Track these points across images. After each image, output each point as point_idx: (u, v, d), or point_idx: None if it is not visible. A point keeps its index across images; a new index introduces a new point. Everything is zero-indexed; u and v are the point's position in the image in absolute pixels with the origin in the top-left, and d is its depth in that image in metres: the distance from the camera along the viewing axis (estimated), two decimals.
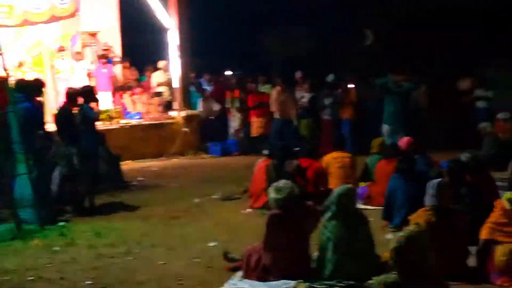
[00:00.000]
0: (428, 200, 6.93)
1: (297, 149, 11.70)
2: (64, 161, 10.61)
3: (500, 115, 14.97)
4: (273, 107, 16.97)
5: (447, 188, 7.00)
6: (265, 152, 11.12)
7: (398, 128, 13.43)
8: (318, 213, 7.41)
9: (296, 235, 6.96)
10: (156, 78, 19.06)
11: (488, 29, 20.82)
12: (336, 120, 16.91)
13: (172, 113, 18.31)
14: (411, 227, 5.07)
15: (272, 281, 6.82)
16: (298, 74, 18.17)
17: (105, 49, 18.66)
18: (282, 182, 7.27)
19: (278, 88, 17.08)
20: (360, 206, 9.46)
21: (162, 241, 8.85)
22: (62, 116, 10.94)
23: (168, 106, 18.59)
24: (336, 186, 9.71)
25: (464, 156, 8.99)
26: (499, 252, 6.50)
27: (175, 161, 17.02)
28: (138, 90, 18.57)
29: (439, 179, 7.28)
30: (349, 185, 7.19)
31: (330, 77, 18.44)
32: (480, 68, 19.05)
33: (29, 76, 15.16)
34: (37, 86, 10.69)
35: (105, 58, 18.23)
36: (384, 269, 5.45)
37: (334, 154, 11.45)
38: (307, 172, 10.47)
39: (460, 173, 8.24)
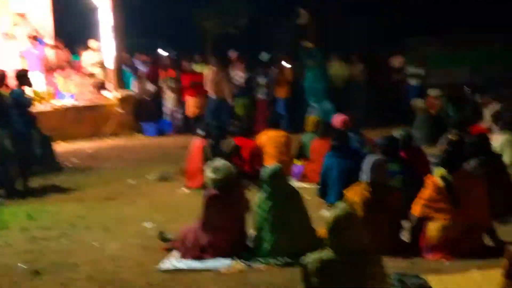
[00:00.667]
0: (364, 176, 7.01)
1: (233, 128, 11.70)
2: (4, 143, 10.35)
3: (431, 92, 15.27)
4: (208, 87, 16.90)
5: (382, 164, 7.09)
6: (200, 132, 11.06)
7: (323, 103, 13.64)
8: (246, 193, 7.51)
9: (233, 215, 6.99)
10: (88, 58, 18.75)
11: (419, 7, 21.17)
12: (271, 99, 16.96)
13: (106, 94, 18.08)
14: (343, 204, 5.11)
15: (209, 260, 6.83)
16: (232, 54, 18.12)
17: (35, 30, 18.26)
18: (219, 162, 7.28)
19: (213, 67, 17.02)
20: (296, 184, 9.55)
21: (97, 222, 8.75)
22: None
23: (101, 87, 18.32)
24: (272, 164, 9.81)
25: (397, 133, 9.14)
26: (432, 228, 6.63)
27: (110, 142, 16.81)
28: (70, 70, 18.25)
29: (374, 156, 7.37)
30: (277, 164, 7.23)
31: (265, 56, 18.52)
32: (411, 46, 19.40)
33: None
34: None
35: (35, 39, 17.84)
36: (320, 246, 5.48)
37: (269, 133, 11.49)
38: (243, 151, 10.49)
39: (393, 149, 8.35)
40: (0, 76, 10.90)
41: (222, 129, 10.73)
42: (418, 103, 14.37)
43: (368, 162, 7.05)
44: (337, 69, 17.45)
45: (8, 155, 10.41)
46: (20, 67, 14.98)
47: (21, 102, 11.03)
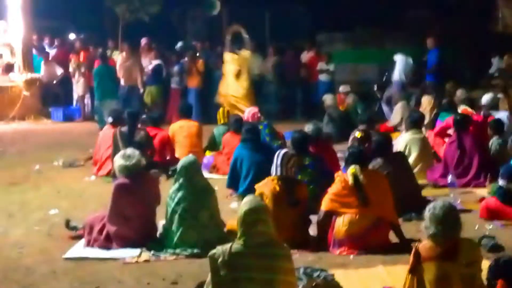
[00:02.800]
0: (274, 169, 7.06)
1: (144, 117, 11.62)
2: None
3: (341, 88, 15.52)
4: (119, 73, 16.67)
5: (291, 158, 7.15)
6: (109, 119, 10.92)
7: None
8: (158, 183, 7.47)
9: (142, 204, 6.94)
10: None
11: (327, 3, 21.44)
12: (183, 88, 16.88)
13: (13, 76, 17.61)
14: (252, 196, 5.15)
15: (116, 249, 6.76)
16: (143, 41, 17.93)
17: None
18: (129, 150, 7.21)
19: (123, 54, 16.79)
20: (206, 175, 9.53)
21: (1, 208, 8.57)
22: None
23: (9, 69, 17.83)
24: (182, 155, 9.79)
25: (307, 127, 9.26)
26: (339, 222, 6.72)
27: (15, 126, 16.43)
28: None
29: (284, 150, 7.43)
30: (193, 156, 7.20)
31: (179, 45, 18.39)
32: (320, 42, 19.65)
33: None
34: None
35: None
36: (229, 238, 5.52)
37: (180, 123, 11.44)
38: (154, 140, 10.41)
39: (303, 143, 8.44)
40: None
41: (134, 116, 10.59)
42: (327, 99, 14.55)
43: (278, 156, 7.09)
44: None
45: None
46: None
47: None
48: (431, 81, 15.67)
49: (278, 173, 6.99)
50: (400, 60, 16.13)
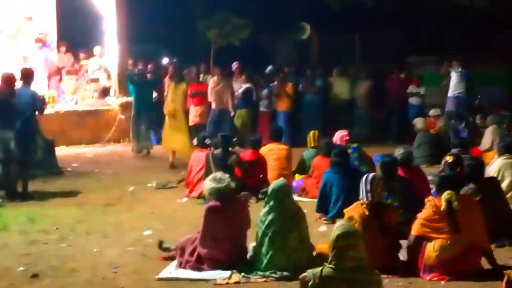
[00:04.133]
0: (362, 194, 7.05)
1: (235, 140, 11.77)
2: (6, 145, 10.36)
3: (431, 112, 15.35)
4: (210, 97, 16.94)
5: (380, 182, 7.13)
6: (201, 142, 11.12)
7: None
8: (248, 206, 7.54)
9: (233, 227, 7.03)
10: (92, 64, 18.82)
11: (420, 26, 21.28)
12: (273, 111, 17.02)
13: (108, 100, 18.12)
14: (345, 221, 5.17)
15: (207, 271, 6.87)
16: (234, 65, 18.18)
17: (40, 34, 18.34)
18: (219, 173, 7.33)
19: (215, 78, 17.06)
20: (295, 198, 9.58)
21: (97, 228, 8.80)
22: (2, 100, 10.54)
23: (105, 92, 18.36)
24: (272, 178, 9.89)
25: (397, 152, 9.19)
26: (430, 248, 6.66)
27: (111, 148, 16.86)
28: (74, 75, 18.33)
29: (373, 174, 7.41)
30: (284, 180, 7.24)
31: (269, 69, 18.56)
32: (411, 64, 19.50)
33: None
34: None
35: (41, 42, 17.91)
36: (318, 261, 5.54)
37: (270, 146, 11.55)
38: (245, 163, 10.54)
39: (393, 167, 8.40)
40: (10, 78, 10.91)
41: (227, 139, 10.77)
42: (418, 122, 14.42)
43: (366, 180, 7.08)
44: (339, 85, 17.52)
45: (12, 157, 10.44)
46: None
47: (36, 102, 11.09)
48: None
49: (367, 198, 6.98)
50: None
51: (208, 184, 7.20)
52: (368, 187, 7.01)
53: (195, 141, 11.22)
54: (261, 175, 10.73)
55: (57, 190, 11.37)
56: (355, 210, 6.93)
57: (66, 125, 16.56)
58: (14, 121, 10.54)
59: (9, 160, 10.44)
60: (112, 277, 6.82)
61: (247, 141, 11.35)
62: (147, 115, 15.58)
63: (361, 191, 7.07)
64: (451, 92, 16.42)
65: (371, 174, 7.31)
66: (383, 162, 8.48)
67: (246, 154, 10.78)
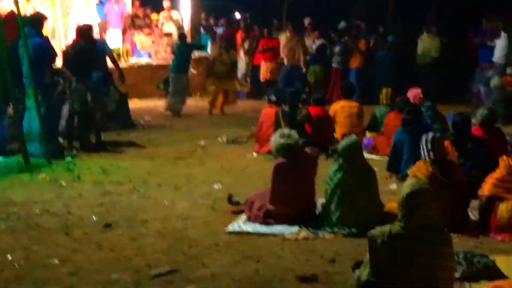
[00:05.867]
0: (423, 153, 6.97)
1: (305, 96, 11.72)
2: (76, 97, 10.56)
3: (508, 70, 14.94)
4: (282, 53, 16.89)
5: (441, 140, 7.03)
6: (272, 98, 11.11)
7: None
8: (317, 161, 7.51)
9: (302, 182, 7.04)
10: (162, 17, 18.94)
11: None
12: (345, 68, 16.86)
13: None
14: (415, 179, 5.10)
15: (275, 225, 6.91)
16: (306, 21, 18.04)
17: None
18: (287, 130, 7.32)
19: (287, 33, 16.98)
20: (366, 155, 9.51)
21: (168, 181, 8.93)
22: (77, 51, 10.72)
23: None
24: (342, 135, 9.84)
25: (481, 110, 8.97)
26: (503, 208, 6.56)
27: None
28: (147, 29, 18.49)
29: (432, 133, 7.27)
30: (355, 137, 7.18)
31: (341, 25, 18.35)
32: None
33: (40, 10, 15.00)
34: (41, 21, 10.54)
35: None
36: (388, 219, 5.50)
37: (342, 103, 11.47)
38: (314, 120, 10.51)
39: (464, 127, 8.25)
40: (86, 29, 11.06)
41: (296, 96, 10.75)
42: (495, 81, 14.09)
43: (427, 140, 6.98)
44: (427, 43, 17.07)
45: (88, 109, 10.63)
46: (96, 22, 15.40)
47: (106, 51, 11.23)
48: None
49: (429, 156, 6.89)
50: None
51: (276, 141, 7.19)
52: (429, 146, 6.93)
53: (270, 97, 11.17)
54: (328, 131, 10.70)
55: (129, 142, 11.57)
56: (419, 170, 6.85)
57: (139, 78, 16.78)
58: (90, 72, 10.72)
59: (85, 111, 10.64)
60: (183, 229, 6.92)
61: (311, 98, 11.27)
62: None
63: (422, 150, 6.99)
64: None
65: (430, 133, 7.21)
66: (455, 122, 8.33)
67: (313, 110, 10.72)
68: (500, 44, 15.17)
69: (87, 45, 10.85)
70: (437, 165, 6.83)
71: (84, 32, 10.95)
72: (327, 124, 10.83)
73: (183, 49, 15.07)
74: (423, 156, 6.98)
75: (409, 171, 7.04)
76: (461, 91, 16.61)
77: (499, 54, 15.14)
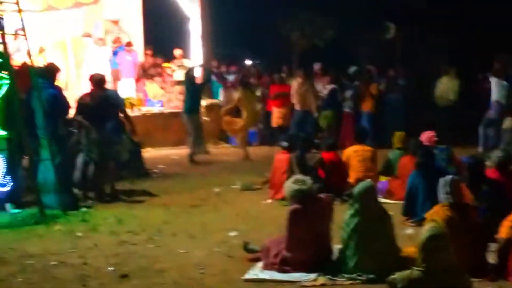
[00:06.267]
0: (442, 196, 6.93)
1: (318, 141, 11.74)
2: (94, 147, 10.60)
3: None
4: (294, 99, 16.97)
5: (459, 183, 7.00)
6: (284, 144, 11.14)
7: None
8: (332, 207, 7.49)
9: (317, 228, 7.01)
10: (174, 66, 19.11)
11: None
12: (357, 112, 16.90)
13: None
14: (433, 223, 5.08)
15: (292, 273, 6.87)
16: (316, 66, 18.15)
17: (118, 38, 18.74)
18: (301, 176, 7.32)
19: (298, 79, 17.08)
20: (381, 200, 9.48)
21: (183, 229, 8.92)
22: (96, 102, 10.80)
23: None
24: (357, 180, 9.83)
25: (496, 153, 8.94)
26: None
27: None
28: (159, 78, 18.67)
29: (451, 176, 7.24)
30: (370, 182, 7.16)
31: (352, 69, 18.43)
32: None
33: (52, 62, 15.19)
34: (54, 72, 10.66)
35: (129, 45, 18.28)
36: (406, 264, 5.47)
37: (355, 147, 11.47)
38: (328, 165, 10.51)
39: (479, 169, 8.23)
40: (100, 79, 11.15)
41: (308, 141, 10.79)
42: (507, 123, 14.08)
43: (446, 182, 6.95)
44: (445, 85, 16.95)
45: (103, 159, 10.67)
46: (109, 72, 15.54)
47: (117, 102, 11.31)
48: None
49: (448, 199, 6.85)
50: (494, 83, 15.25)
51: (289, 187, 7.19)
52: (448, 189, 6.89)
53: (282, 143, 11.21)
54: (343, 176, 10.70)
55: (144, 191, 11.59)
56: (437, 213, 6.79)
57: (152, 127, 16.88)
58: (107, 123, 10.78)
59: (101, 161, 10.68)
60: (199, 278, 6.89)
61: (324, 143, 11.30)
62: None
63: (440, 193, 6.95)
64: None
65: (449, 176, 7.17)
66: (469, 164, 8.32)
67: (326, 156, 10.72)
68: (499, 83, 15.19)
69: (104, 95, 10.96)
70: (455, 209, 6.79)
71: (101, 82, 11.06)
72: (340, 169, 10.83)
73: (191, 88, 15.15)
74: (441, 199, 6.93)
75: (426, 215, 6.99)
76: (475, 134, 16.55)
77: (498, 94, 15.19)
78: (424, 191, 8.82)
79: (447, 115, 16.38)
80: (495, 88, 15.17)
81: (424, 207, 8.51)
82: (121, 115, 11.74)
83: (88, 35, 17.52)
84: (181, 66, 18.79)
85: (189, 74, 15.49)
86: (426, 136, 11.09)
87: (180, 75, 18.72)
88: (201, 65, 18.27)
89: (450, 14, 21.49)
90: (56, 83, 11.01)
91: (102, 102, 10.77)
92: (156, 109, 17.86)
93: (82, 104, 10.91)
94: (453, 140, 13.68)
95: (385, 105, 17.05)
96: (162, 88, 18.54)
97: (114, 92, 12.91)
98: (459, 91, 16.80)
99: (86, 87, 15.90)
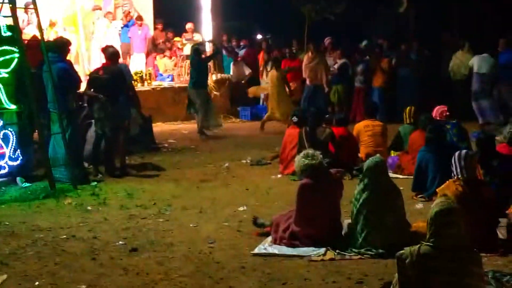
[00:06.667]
0: (455, 171, 6.88)
1: (328, 116, 11.71)
2: (109, 121, 10.60)
3: None
4: (304, 73, 16.90)
5: (474, 159, 6.95)
6: (294, 119, 11.11)
7: None
8: (342, 181, 7.48)
9: (327, 203, 7.00)
10: (184, 40, 19.06)
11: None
12: (368, 87, 16.82)
13: None
14: (444, 198, 5.05)
15: (301, 247, 6.88)
16: (327, 40, 18.05)
17: (129, 12, 18.70)
18: (311, 150, 7.28)
19: (309, 53, 17.00)
20: (391, 175, 9.46)
21: (193, 204, 8.94)
22: (111, 75, 10.63)
23: None
24: (367, 154, 9.81)
25: (508, 128, 8.90)
26: None
27: None
28: (170, 52, 18.64)
29: (465, 150, 7.19)
30: (380, 157, 7.12)
31: (364, 43, 18.32)
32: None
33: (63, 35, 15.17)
34: (64, 46, 10.62)
35: (140, 20, 18.24)
36: (415, 239, 5.46)
37: (365, 122, 11.43)
38: (338, 139, 10.48)
39: (490, 145, 8.18)
40: (114, 53, 11.09)
41: (319, 116, 10.74)
42: None
43: (459, 157, 6.90)
44: (459, 60, 16.74)
45: (108, 132, 10.66)
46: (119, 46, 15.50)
47: (128, 76, 11.30)
48: None
49: (462, 174, 6.80)
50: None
51: (300, 161, 7.16)
52: (462, 163, 6.83)
53: (293, 118, 11.18)
54: (353, 151, 10.68)
55: (154, 165, 11.62)
56: (448, 188, 6.77)
57: (162, 101, 16.89)
58: (119, 97, 10.74)
59: (112, 135, 10.67)
60: (209, 252, 6.90)
61: (334, 118, 11.26)
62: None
63: (453, 168, 6.90)
64: None
65: (464, 151, 7.11)
66: (479, 139, 8.27)
67: (336, 130, 10.68)
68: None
69: (118, 69, 10.94)
70: (467, 184, 6.74)
71: (115, 55, 11.00)
72: (350, 144, 10.81)
73: (198, 63, 15.10)
74: (454, 173, 6.87)
75: (438, 190, 6.96)
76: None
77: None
78: (434, 166, 8.79)
79: (461, 89, 16.23)
80: (476, 61, 15.42)
81: (434, 183, 8.50)
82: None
83: (98, 8, 17.48)
84: (191, 40, 18.73)
85: (195, 49, 15.43)
86: (439, 111, 11.03)
87: (189, 49, 18.68)
88: (210, 41, 18.20)
89: None
90: (68, 57, 10.99)
91: (115, 76, 10.69)
92: (166, 83, 17.83)
93: (95, 77, 10.84)
94: (466, 115, 13.61)
95: (396, 80, 16.94)
96: (172, 62, 18.48)
97: (125, 66, 12.87)
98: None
99: (96, 61, 16.00)
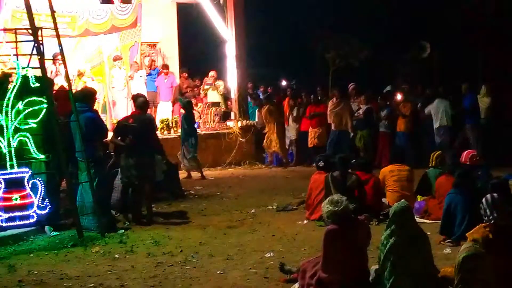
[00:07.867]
0: (486, 215, 6.79)
1: (354, 161, 11.70)
2: (131, 170, 10.68)
3: None
4: (329, 118, 16.96)
5: (502, 203, 6.86)
6: (320, 164, 11.13)
7: None
8: (369, 227, 7.45)
9: (353, 249, 6.97)
10: (206, 86, 19.25)
11: None
12: (393, 132, 16.80)
13: (229, 123, 18.47)
14: (471, 243, 5.01)
15: None
16: (351, 86, 18.13)
17: (153, 60, 18.98)
18: (337, 196, 7.27)
19: (334, 99, 17.08)
20: (418, 220, 9.41)
21: (219, 250, 8.94)
22: (142, 124, 10.80)
23: (225, 116, 18.72)
24: (393, 199, 9.77)
25: None
26: None
27: (232, 170, 17.18)
28: (195, 100, 18.81)
29: (494, 194, 7.09)
30: (406, 202, 7.08)
31: (387, 88, 18.37)
32: None
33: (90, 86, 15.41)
34: (92, 96, 10.77)
35: (166, 68, 18.48)
36: (443, 285, 5.42)
37: (391, 167, 11.41)
38: (364, 185, 10.47)
39: (506, 188, 8.11)
40: (145, 102, 11.19)
41: (345, 161, 10.75)
42: None
43: (488, 201, 6.82)
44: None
45: (135, 181, 10.74)
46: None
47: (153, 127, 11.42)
48: None
49: (494, 219, 6.72)
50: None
51: (325, 207, 7.15)
52: (492, 209, 6.74)
53: (319, 163, 11.20)
54: (378, 196, 10.66)
55: (180, 212, 11.66)
56: (478, 233, 6.68)
57: None
58: (135, 145, 10.81)
59: (139, 183, 10.76)
60: None
61: (356, 163, 11.26)
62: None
63: (483, 212, 6.81)
64: None
65: (493, 194, 7.02)
66: (493, 184, 8.21)
67: (360, 175, 10.67)
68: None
69: (148, 117, 11.08)
70: (497, 229, 6.62)
71: (145, 104, 11.10)
72: (373, 189, 10.75)
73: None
74: (485, 217, 6.75)
75: (467, 234, 6.87)
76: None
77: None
78: (462, 210, 8.75)
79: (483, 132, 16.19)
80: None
81: (462, 227, 8.45)
82: None
83: (119, 58, 17.74)
84: (211, 85, 18.93)
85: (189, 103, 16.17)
86: (469, 155, 10.91)
87: (213, 96, 18.87)
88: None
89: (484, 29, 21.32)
90: (95, 106, 11.12)
91: (145, 124, 10.82)
92: None
93: (124, 126, 10.93)
94: (492, 158, 13.51)
95: (422, 124, 16.89)
96: (198, 110, 18.65)
97: (150, 115, 13.00)
98: (491, 108, 16.60)
99: (120, 109, 16.23)
